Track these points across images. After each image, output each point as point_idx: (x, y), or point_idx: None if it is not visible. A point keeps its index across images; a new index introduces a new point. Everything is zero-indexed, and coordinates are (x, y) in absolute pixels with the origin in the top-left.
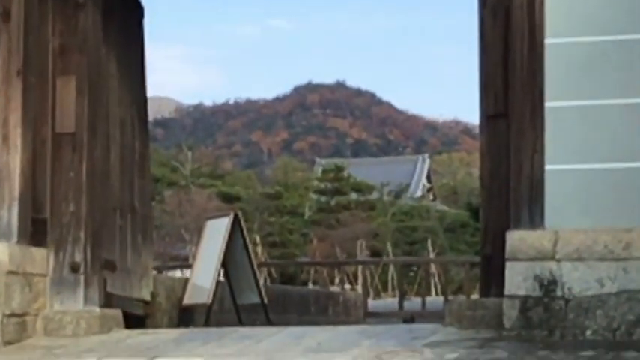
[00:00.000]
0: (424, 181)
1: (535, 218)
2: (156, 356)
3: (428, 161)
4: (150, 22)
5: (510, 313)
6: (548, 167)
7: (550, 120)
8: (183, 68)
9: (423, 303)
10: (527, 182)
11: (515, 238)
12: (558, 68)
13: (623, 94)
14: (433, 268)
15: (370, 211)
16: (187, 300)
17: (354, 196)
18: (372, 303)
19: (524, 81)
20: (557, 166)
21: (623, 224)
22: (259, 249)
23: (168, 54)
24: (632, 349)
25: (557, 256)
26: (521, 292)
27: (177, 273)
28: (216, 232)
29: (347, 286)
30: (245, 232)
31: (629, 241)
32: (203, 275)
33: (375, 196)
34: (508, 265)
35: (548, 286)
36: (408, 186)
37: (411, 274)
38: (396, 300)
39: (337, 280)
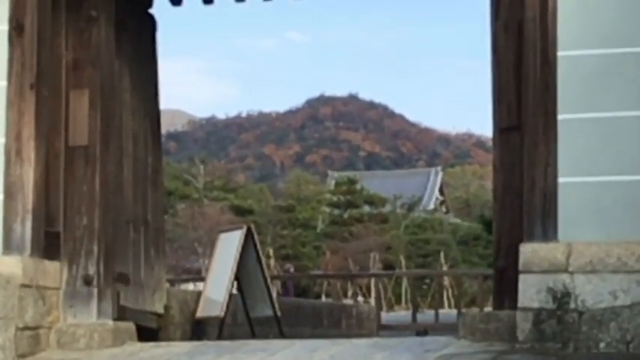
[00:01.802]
0: (437, 193)
1: (548, 231)
2: None
3: (440, 174)
4: (164, 35)
5: (524, 325)
6: (561, 180)
7: (563, 133)
8: (197, 81)
9: (436, 316)
10: (540, 195)
11: (529, 251)
12: (571, 81)
13: (637, 106)
14: (446, 280)
15: (383, 223)
16: (200, 313)
17: (366, 208)
18: (385, 316)
19: (536, 94)
20: (571, 178)
21: (636, 237)
22: (272, 262)
23: (181, 67)
24: None
25: (570, 269)
26: (535, 305)
27: (190, 286)
28: (229, 245)
29: (360, 298)
30: (258, 244)
31: None
32: (216, 288)
33: (387, 208)
34: (521, 277)
35: (562, 298)
36: (420, 198)
37: (424, 286)
38: (409, 313)
39: (350, 293)
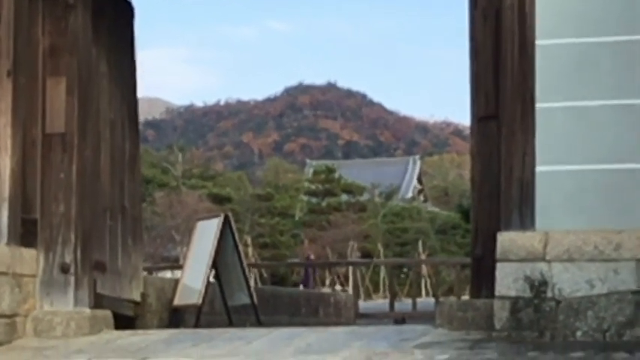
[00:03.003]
0: (415, 182)
1: (525, 219)
2: (146, 357)
3: (419, 162)
4: (145, 23)
5: (501, 314)
6: (538, 168)
7: (541, 121)
8: (176, 69)
9: (414, 304)
10: (517, 183)
11: (506, 240)
12: (549, 69)
13: (614, 95)
14: (424, 269)
15: (361, 212)
16: (178, 301)
17: (344, 197)
18: (363, 304)
19: (514, 82)
20: (548, 167)
21: (613, 225)
22: (250, 250)
23: (161, 55)
24: (622, 350)
25: (547, 257)
26: (512, 294)
27: (168, 274)
28: (207, 233)
29: (338, 287)
30: (235, 233)
31: (620, 242)
32: (193, 276)
33: (365, 197)
34: (499, 266)
35: (539, 287)
36: (398, 187)
37: (402, 275)
38: (386, 301)
39: (328, 282)
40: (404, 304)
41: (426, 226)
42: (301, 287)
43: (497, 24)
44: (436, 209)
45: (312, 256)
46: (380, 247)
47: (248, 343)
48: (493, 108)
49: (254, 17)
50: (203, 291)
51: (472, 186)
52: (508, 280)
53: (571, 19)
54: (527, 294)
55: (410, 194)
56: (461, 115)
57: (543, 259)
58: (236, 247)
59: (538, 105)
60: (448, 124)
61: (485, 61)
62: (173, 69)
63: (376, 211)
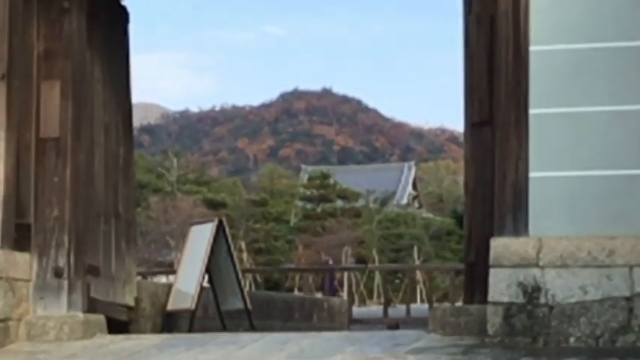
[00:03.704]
0: (410, 188)
1: (519, 225)
2: None
3: (414, 169)
4: (142, 28)
5: (494, 319)
6: (532, 174)
7: (534, 127)
8: (172, 75)
9: (408, 310)
10: (511, 189)
11: (499, 245)
12: (543, 76)
13: (608, 101)
14: (418, 275)
15: (356, 218)
16: (171, 306)
17: (339, 203)
18: (357, 310)
19: (508, 88)
20: (542, 173)
21: (606, 231)
22: (245, 255)
23: (157, 60)
24: (615, 356)
25: (540, 263)
26: (505, 299)
27: (162, 279)
28: (201, 238)
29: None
30: (229, 238)
31: (613, 249)
32: (187, 281)
33: (360, 203)
34: (492, 272)
35: (532, 293)
36: (393, 193)
37: (397, 281)
38: (381, 307)
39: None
40: (398, 309)
41: (420, 232)
42: (320, 295)
43: (491, 30)
44: (431, 215)
45: (331, 261)
46: (375, 253)
47: (241, 348)
48: (487, 113)
49: (251, 22)
50: (196, 296)
51: (466, 191)
52: (501, 286)
53: (565, 26)
54: (521, 300)
55: (405, 200)
56: (456, 121)
57: (537, 265)
58: (230, 252)
59: (532, 111)
60: (443, 131)
61: (480, 66)
62: (169, 74)
63: (371, 216)
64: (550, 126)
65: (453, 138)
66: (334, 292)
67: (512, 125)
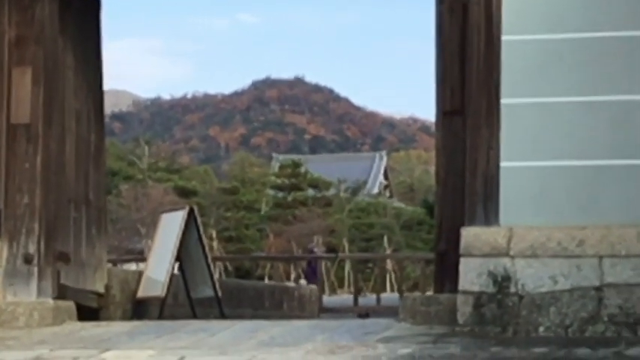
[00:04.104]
0: (381, 178)
1: (490, 215)
2: (108, 349)
3: (385, 158)
4: (115, 14)
5: (464, 309)
6: (503, 164)
7: (506, 117)
8: (144, 62)
9: (378, 299)
10: (482, 179)
11: (470, 235)
12: (515, 65)
13: (579, 92)
14: (389, 264)
15: (327, 207)
16: (141, 293)
17: (310, 192)
18: (328, 299)
19: (480, 77)
20: (513, 162)
21: (577, 222)
22: (215, 244)
23: (130, 47)
24: (584, 345)
25: (511, 253)
26: (475, 289)
27: (133, 266)
28: (171, 225)
29: (302, 281)
30: (200, 226)
31: (583, 239)
32: (157, 268)
33: (331, 192)
34: (462, 261)
35: (502, 282)
36: (365, 183)
37: (367, 270)
38: (351, 297)
39: (293, 276)
40: (368, 299)
41: (391, 222)
42: (303, 282)
43: (463, 19)
44: (402, 205)
45: (316, 249)
46: (345, 242)
47: (211, 336)
48: (459, 102)
49: (226, 9)
50: (167, 283)
51: (437, 180)
52: (472, 275)
53: (537, 15)
54: (491, 289)
55: (376, 190)
56: (428, 111)
57: (507, 255)
58: (200, 239)
59: (503, 100)
60: (415, 120)
61: (452, 55)
62: (140, 61)
63: (342, 206)
64: (521, 116)
65: (424, 128)
66: (316, 279)
67: (484, 115)
